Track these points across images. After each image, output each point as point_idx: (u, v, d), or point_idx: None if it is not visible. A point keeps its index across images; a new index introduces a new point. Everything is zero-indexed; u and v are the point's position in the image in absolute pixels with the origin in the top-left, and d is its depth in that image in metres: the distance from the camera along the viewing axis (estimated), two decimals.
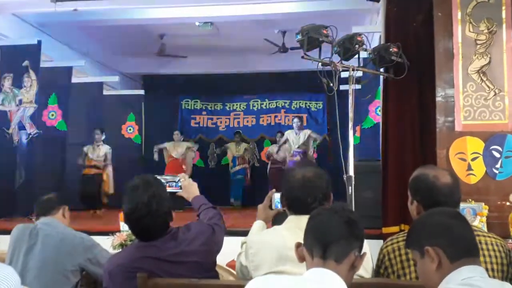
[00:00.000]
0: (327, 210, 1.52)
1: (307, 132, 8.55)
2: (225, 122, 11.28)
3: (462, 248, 1.46)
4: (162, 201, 2.03)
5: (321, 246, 1.42)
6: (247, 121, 11.20)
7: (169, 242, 2.02)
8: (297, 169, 2.04)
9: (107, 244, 3.27)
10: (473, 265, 1.44)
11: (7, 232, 3.18)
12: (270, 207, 2.24)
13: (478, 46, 4.12)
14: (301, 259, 1.49)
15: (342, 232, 1.43)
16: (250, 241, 1.96)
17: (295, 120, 8.75)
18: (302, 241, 1.51)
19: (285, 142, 8.69)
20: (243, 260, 1.99)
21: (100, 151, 7.97)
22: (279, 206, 2.19)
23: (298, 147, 8.44)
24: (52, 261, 2.69)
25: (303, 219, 1.55)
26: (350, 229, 1.45)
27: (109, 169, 8.08)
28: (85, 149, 7.98)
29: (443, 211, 1.58)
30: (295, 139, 8.47)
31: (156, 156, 9.21)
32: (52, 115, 7.97)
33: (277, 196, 2.21)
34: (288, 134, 8.66)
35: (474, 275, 1.41)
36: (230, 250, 2.40)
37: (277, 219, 2.31)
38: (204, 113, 11.38)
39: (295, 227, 1.82)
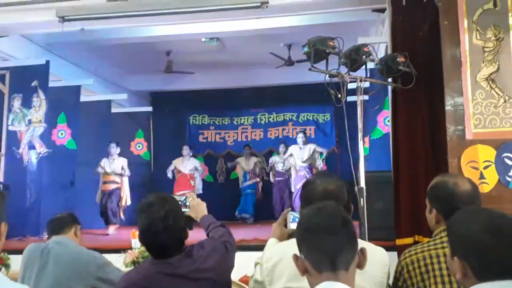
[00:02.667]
0: (319, 218, 1.38)
1: (312, 146, 8.52)
2: (233, 136, 11.27)
3: (495, 271, 1.29)
4: (178, 217, 2.03)
5: (329, 260, 1.34)
6: (255, 135, 11.18)
7: (184, 259, 2.00)
8: (317, 180, 1.95)
9: (119, 262, 3.26)
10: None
11: (19, 252, 3.17)
12: (285, 225, 2.16)
13: (486, 53, 4.09)
14: (304, 272, 1.39)
15: (344, 237, 1.36)
16: (269, 254, 1.88)
17: (300, 135, 8.76)
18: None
19: (290, 155, 8.66)
20: (258, 277, 1.92)
21: (116, 164, 7.97)
22: (294, 224, 2.11)
23: (304, 162, 8.41)
24: (64, 280, 2.68)
25: None
26: (349, 229, 1.37)
27: (126, 182, 8.06)
28: (101, 162, 7.95)
29: (485, 220, 1.34)
30: (300, 153, 8.44)
31: (169, 175, 9.10)
32: (62, 134, 8.01)
33: (293, 214, 2.14)
34: (292, 149, 8.62)
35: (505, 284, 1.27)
36: (241, 265, 2.38)
37: (292, 238, 2.26)
38: (212, 128, 11.39)
39: None
